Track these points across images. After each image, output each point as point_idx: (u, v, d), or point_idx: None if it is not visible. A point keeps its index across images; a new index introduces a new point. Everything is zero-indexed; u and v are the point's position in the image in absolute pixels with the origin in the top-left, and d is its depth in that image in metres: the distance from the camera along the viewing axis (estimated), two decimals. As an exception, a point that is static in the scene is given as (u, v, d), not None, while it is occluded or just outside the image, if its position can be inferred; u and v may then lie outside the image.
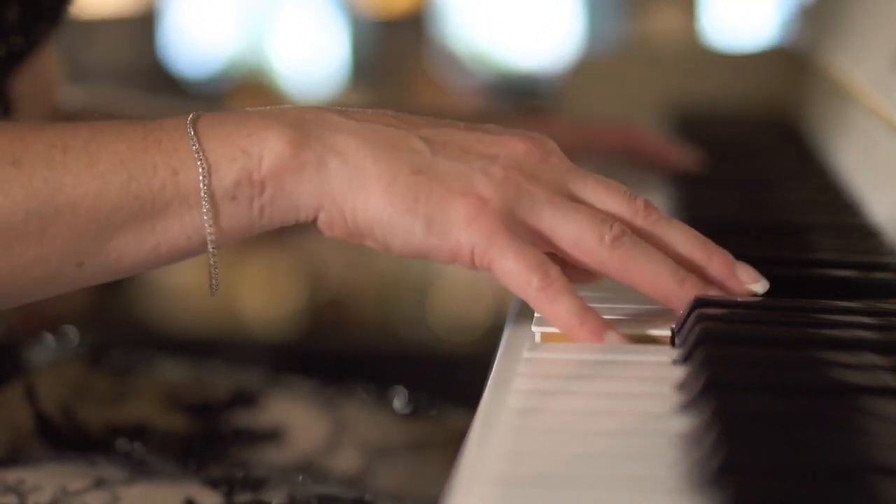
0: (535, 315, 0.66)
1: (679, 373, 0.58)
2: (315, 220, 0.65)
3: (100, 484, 0.76)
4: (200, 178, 0.64)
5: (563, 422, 0.54)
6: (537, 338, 0.66)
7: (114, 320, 2.84)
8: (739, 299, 0.66)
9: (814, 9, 1.35)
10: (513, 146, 0.66)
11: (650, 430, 0.53)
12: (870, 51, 0.99)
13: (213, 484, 0.77)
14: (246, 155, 0.64)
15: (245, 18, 4.23)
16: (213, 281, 0.66)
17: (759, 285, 0.65)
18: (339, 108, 0.67)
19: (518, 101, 3.96)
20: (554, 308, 0.63)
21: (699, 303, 0.64)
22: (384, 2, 4.12)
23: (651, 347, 0.63)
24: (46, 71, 0.96)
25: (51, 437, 0.85)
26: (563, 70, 1.54)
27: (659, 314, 0.66)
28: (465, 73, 4.05)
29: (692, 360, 0.58)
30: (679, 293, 0.64)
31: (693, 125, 1.28)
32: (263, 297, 3.04)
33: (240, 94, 4.01)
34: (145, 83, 4.10)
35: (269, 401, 0.93)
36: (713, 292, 0.65)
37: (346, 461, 0.90)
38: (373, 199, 0.64)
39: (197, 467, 0.86)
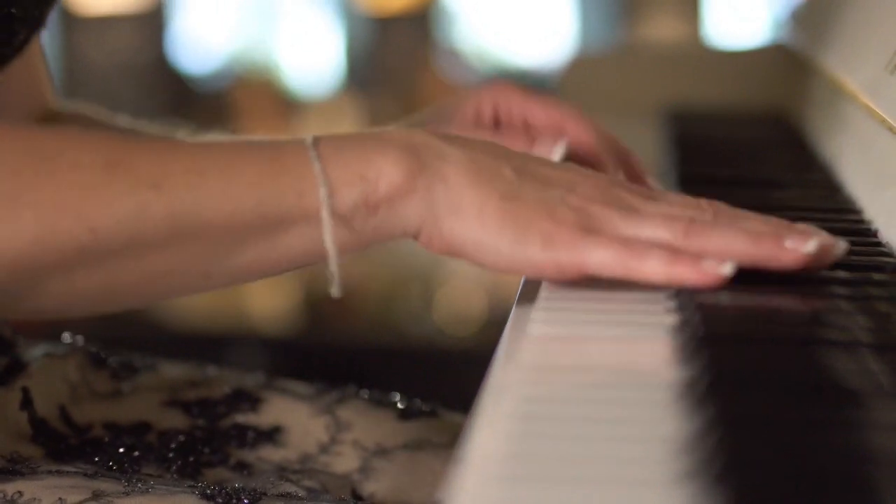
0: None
1: (680, 375, 0.58)
2: (416, 236, 0.72)
3: (98, 496, 0.77)
4: (323, 201, 0.69)
5: (563, 424, 0.55)
6: None
7: (114, 319, 2.83)
8: (739, 301, 0.67)
9: (806, 11, 1.35)
10: (587, 179, 0.73)
11: (651, 432, 0.53)
12: (864, 53, 0.99)
13: (210, 497, 0.78)
14: (364, 180, 0.70)
15: (247, 15, 4.23)
16: (335, 287, 0.72)
17: (811, 244, 0.70)
18: (440, 135, 0.73)
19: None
20: (646, 270, 0.69)
21: (700, 305, 0.65)
22: (382, 0, 4.11)
23: (652, 350, 0.63)
24: (34, 70, 0.98)
25: (48, 442, 0.85)
26: (560, 66, 1.54)
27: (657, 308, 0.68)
28: (465, 68, 4.04)
29: (694, 363, 0.59)
30: (757, 251, 0.69)
31: (689, 123, 1.29)
32: (266, 293, 3.04)
33: (241, 89, 4.01)
34: (149, 78, 4.11)
35: (269, 400, 0.93)
36: (784, 252, 0.69)
37: (344, 461, 0.91)
38: (467, 221, 0.70)
39: (195, 467, 0.86)
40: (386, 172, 0.70)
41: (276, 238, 0.70)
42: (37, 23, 0.87)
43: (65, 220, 0.66)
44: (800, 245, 0.69)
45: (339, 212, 0.70)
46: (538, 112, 0.96)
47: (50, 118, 1.01)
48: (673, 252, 0.69)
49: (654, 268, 0.69)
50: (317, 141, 0.71)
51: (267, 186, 0.69)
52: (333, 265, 0.71)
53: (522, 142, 0.91)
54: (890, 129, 0.87)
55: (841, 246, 0.71)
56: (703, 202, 0.73)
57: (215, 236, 0.69)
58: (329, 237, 0.70)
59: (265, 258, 0.71)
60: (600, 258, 0.69)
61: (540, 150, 0.89)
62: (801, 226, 0.72)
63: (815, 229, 0.72)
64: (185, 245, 0.69)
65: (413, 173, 0.70)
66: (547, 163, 0.74)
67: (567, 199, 0.71)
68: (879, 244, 0.80)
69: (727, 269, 0.68)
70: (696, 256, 0.68)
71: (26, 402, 0.86)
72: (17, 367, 0.88)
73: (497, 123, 0.98)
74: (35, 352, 0.91)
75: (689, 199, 0.73)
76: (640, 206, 0.72)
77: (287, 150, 0.71)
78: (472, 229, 0.70)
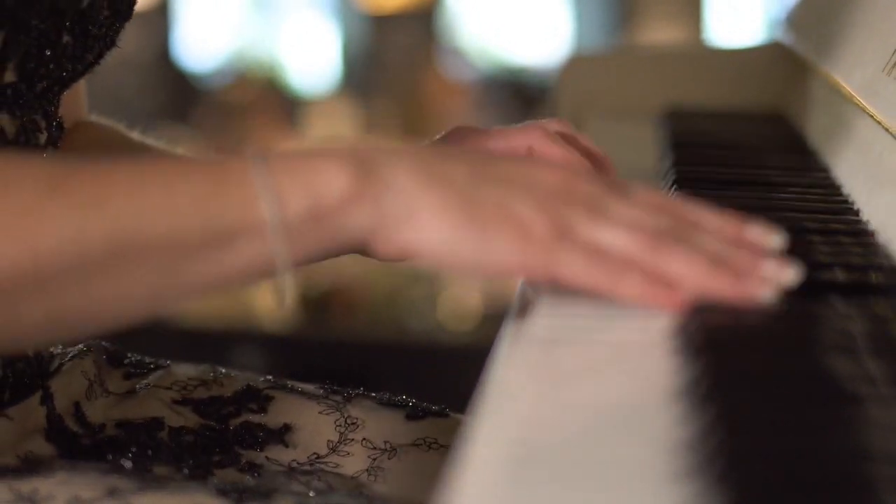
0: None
1: (681, 376, 0.59)
2: (367, 245, 0.70)
3: (112, 493, 0.77)
4: (270, 213, 0.68)
5: (563, 425, 0.55)
6: None
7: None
8: (738, 303, 0.67)
9: (801, 13, 1.35)
10: (547, 174, 0.71)
11: (652, 432, 0.54)
12: (862, 55, 1.00)
13: (223, 492, 0.78)
14: (312, 191, 0.68)
15: (249, 14, 4.23)
16: (284, 299, 0.70)
17: (766, 287, 0.68)
18: (384, 147, 0.71)
19: (514, 93, 3.96)
20: (623, 292, 0.68)
21: (700, 307, 0.65)
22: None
23: (653, 351, 0.64)
24: (80, 85, 0.98)
25: (61, 439, 0.86)
26: (557, 65, 1.54)
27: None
28: (465, 66, 4.04)
29: (695, 364, 0.59)
30: (711, 285, 0.68)
31: (686, 122, 1.29)
32: (269, 291, 3.04)
33: (242, 87, 4.01)
34: (153, 76, 4.11)
35: (278, 399, 0.94)
36: (745, 281, 0.68)
37: (353, 461, 0.91)
38: (423, 226, 0.69)
39: (206, 466, 0.87)
40: (332, 180, 0.68)
41: (223, 254, 0.68)
42: (110, 42, 0.87)
43: (5, 244, 0.65)
44: (754, 287, 0.68)
45: (286, 223, 0.68)
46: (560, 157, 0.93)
47: (73, 129, 1.02)
48: (647, 275, 0.68)
49: (628, 289, 0.68)
50: (261, 154, 0.69)
51: (210, 200, 0.68)
52: (283, 278, 0.69)
53: None
54: (888, 130, 0.87)
55: (791, 274, 0.69)
56: (664, 204, 0.72)
57: (160, 255, 0.67)
58: (278, 247, 0.68)
59: (213, 275, 0.69)
60: (573, 270, 0.68)
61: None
62: (755, 232, 0.71)
63: (771, 243, 0.70)
64: (131, 266, 0.67)
65: (360, 180, 0.69)
66: (502, 159, 0.73)
67: (530, 199, 0.69)
68: (877, 245, 0.81)
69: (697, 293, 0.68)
70: (670, 282, 0.68)
71: (46, 398, 0.86)
72: (41, 379, 0.88)
73: None
74: (55, 356, 0.91)
75: (652, 200, 0.72)
76: (606, 205, 0.70)
77: (231, 163, 0.69)
78: (428, 234, 0.69)
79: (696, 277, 0.68)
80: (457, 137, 0.91)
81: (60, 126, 0.88)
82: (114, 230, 0.66)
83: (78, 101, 1.01)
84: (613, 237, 0.69)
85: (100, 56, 0.87)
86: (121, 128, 1.04)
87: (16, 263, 0.65)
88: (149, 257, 0.67)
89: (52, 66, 0.82)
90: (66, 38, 0.82)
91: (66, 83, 0.86)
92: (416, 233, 0.69)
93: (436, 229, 0.69)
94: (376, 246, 0.70)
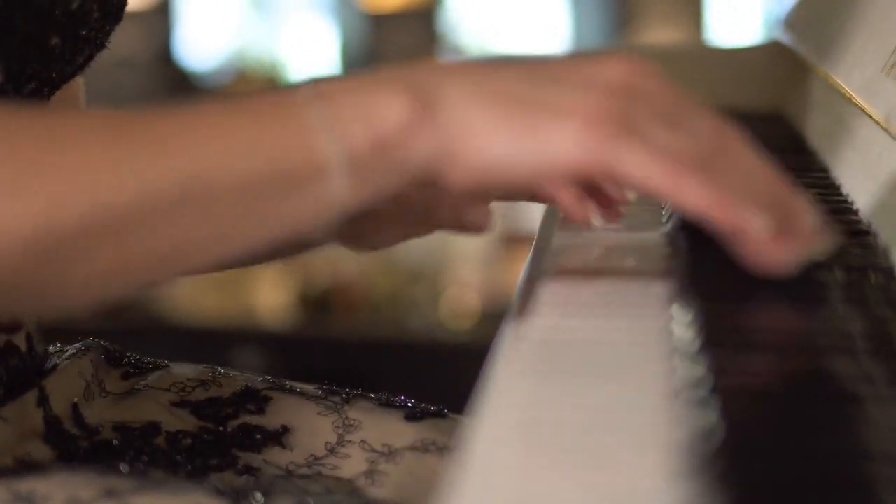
0: None
1: (682, 376, 0.59)
2: (435, 173, 0.68)
3: (110, 493, 0.77)
4: (333, 148, 0.66)
5: (564, 426, 0.55)
6: None
7: (116, 315, 2.84)
8: (739, 303, 0.67)
9: (799, 14, 1.35)
10: (610, 70, 0.69)
11: (653, 433, 0.54)
12: (861, 55, 1.00)
13: (222, 492, 0.78)
14: (372, 121, 0.67)
15: (249, 13, 4.24)
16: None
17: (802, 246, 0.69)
18: (441, 63, 0.69)
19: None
20: (684, 194, 0.67)
21: (702, 307, 0.65)
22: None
23: (653, 351, 0.64)
24: (75, 82, 0.98)
25: (59, 442, 0.86)
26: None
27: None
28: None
29: (696, 364, 0.59)
30: (764, 214, 0.68)
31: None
32: (270, 290, 3.04)
33: (242, 85, 4.01)
34: (153, 74, 4.11)
35: (276, 400, 0.94)
36: (792, 226, 0.69)
37: (351, 463, 0.91)
38: (485, 140, 0.67)
39: (203, 470, 0.87)
40: (392, 110, 0.67)
41: (290, 194, 0.67)
42: (100, 44, 0.87)
43: (73, 193, 0.64)
44: (798, 238, 0.69)
45: (351, 158, 0.67)
46: None
47: None
48: (718, 193, 0.67)
49: (691, 194, 0.67)
50: (317, 88, 0.68)
51: (272, 139, 0.66)
52: (344, 215, 0.67)
53: None
54: (887, 131, 0.87)
55: (829, 242, 0.69)
56: (732, 138, 0.70)
57: (224, 201, 0.66)
58: (344, 183, 0.66)
59: (282, 219, 0.68)
60: (635, 165, 0.66)
61: None
62: (804, 212, 0.70)
63: (815, 220, 0.71)
64: (195, 211, 0.66)
65: (417, 106, 0.67)
66: (559, 60, 0.71)
67: (591, 94, 0.68)
68: (877, 245, 0.81)
69: (760, 226, 0.68)
70: (736, 199, 0.67)
71: (42, 399, 0.86)
72: (37, 377, 0.88)
73: None
74: (51, 356, 0.91)
75: (720, 127, 0.70)
76: (674, 112, 0.68)
77: (288, 100, 0.68)
78: (489, 146, 0.68)
79: (756, 201, 0.68)
80: None
81: None
82: (180, 173, 0.65)
83: (76, 102, 1.01)
84: (681, 142, 0.68)
85: (90, 58, 0.87)
86: None
87: (85, 213, 0.64)
88: (216, 200, 0.66)
89: (39, 67, 0.82)
90: (54, 40, 0.82)
91: (55, 85, 0.85)
92: (477, 149, 0.68)
93: (494, 139, 0.67)
94: (449, 173, 0.68)
